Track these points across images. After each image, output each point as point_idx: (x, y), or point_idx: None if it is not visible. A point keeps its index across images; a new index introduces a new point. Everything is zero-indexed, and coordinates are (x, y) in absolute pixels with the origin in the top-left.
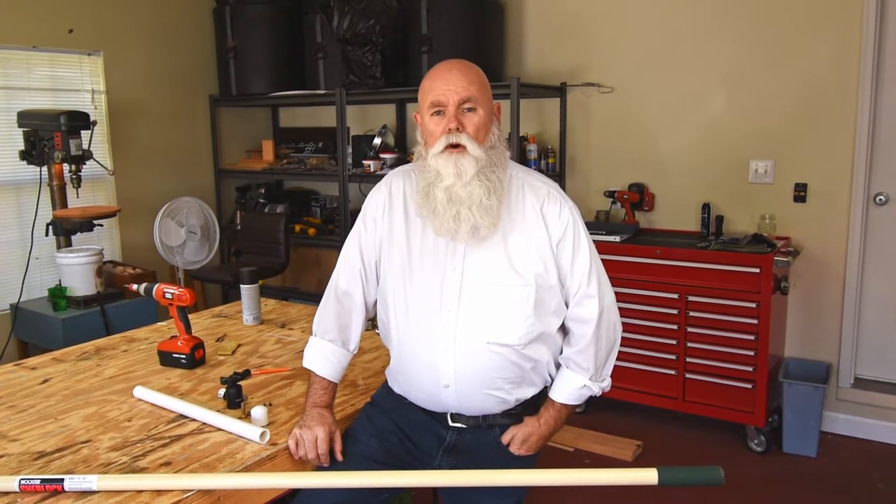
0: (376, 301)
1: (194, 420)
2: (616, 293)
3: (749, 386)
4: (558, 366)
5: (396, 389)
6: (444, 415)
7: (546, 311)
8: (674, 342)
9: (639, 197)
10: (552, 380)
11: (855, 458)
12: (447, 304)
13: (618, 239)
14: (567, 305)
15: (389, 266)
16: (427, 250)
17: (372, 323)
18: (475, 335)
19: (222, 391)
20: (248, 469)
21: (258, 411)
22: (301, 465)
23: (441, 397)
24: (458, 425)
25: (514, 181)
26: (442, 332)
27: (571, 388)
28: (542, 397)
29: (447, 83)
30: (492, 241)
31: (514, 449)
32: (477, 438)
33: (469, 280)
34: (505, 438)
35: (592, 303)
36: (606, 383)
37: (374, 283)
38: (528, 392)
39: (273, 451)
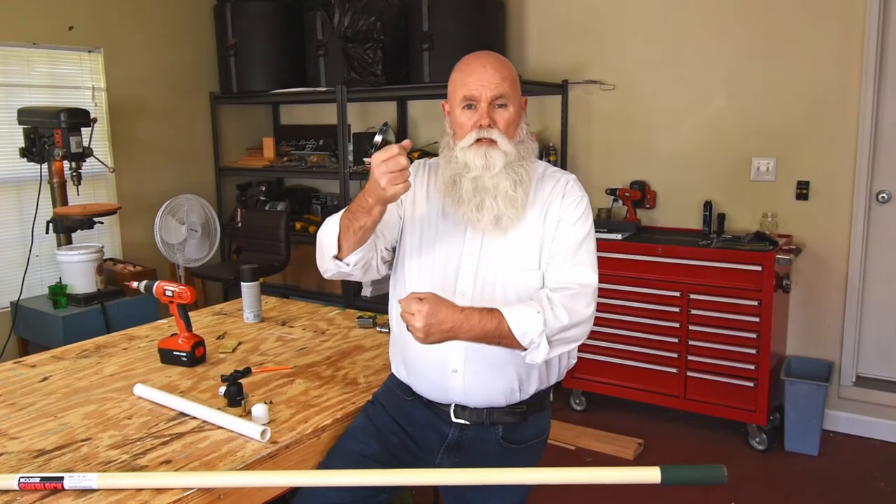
0: (380, 262)
1: (195, 418)
2: (617, 291)
3: (751, 384)
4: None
5: (401, 376)
6: (447, 411)
7: None
8: (675, 340)
9: (640, 195)
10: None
11: (857, 457)
12: (462, 287)
13: (619, 237)
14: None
15: (409, 247)
16: (446, 236)
17: (373, 321)
18: None
19: (223, 389)
20: (248, 467)
21: (259, 409)
22: (302, 463)
23: (448, 384)
24: (461, 421)
25: (534, 172)
26: None
27: (525, 319)
28: (548, 394)
29: (481, 79)
30: (509, 228)
31: (405, 310)
32: (479, 436)
33: (485, 265)
34: (405, 304)
35: (586, 270)
36: (543, 354)
37: (388, 235)
38: (536, 385)
39: (273, 450)
